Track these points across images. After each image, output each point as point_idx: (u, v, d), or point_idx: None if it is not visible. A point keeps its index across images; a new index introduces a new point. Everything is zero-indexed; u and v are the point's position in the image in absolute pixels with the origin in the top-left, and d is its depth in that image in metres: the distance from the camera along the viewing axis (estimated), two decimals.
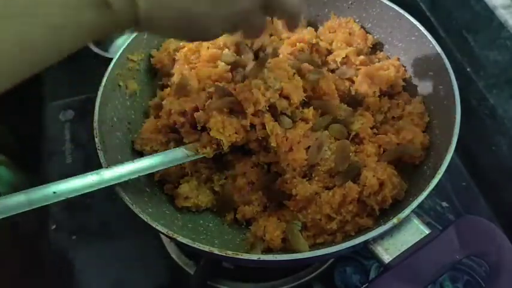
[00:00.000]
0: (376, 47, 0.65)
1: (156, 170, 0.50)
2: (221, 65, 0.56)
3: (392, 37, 0.62)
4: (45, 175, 0.82)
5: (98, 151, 0.49)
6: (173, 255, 0.71)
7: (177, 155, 0.51)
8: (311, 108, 0.53)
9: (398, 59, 0.61)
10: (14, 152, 0.88)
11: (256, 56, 0.61)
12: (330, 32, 0.66)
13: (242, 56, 0.59)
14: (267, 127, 0.50)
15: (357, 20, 0.65)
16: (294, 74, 0.54)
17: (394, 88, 0.59)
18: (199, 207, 0.55)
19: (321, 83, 0.54)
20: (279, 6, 0.41)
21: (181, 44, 0.62)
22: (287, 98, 0.52)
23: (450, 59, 0.53)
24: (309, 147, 0.50)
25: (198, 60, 0.59)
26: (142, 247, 0.73)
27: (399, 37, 0.61)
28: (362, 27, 0.64)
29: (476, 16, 0.76)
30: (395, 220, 0.42)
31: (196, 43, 0.60)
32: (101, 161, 0.48)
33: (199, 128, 0.52)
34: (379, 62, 0.61)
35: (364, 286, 0.43)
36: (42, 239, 0.73)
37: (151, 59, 0.62)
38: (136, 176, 0.47)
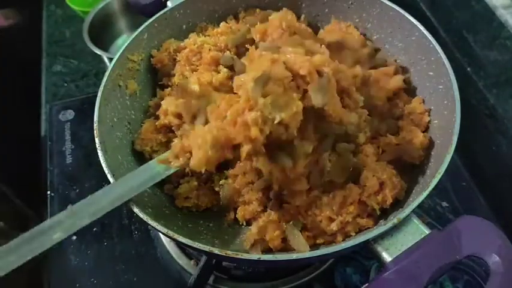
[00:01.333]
0: (376, 52, 0.64)
1: (127, 198, 0.45)
2: (223, 71, 0.56)
3: (392, 37, 0.62)
4: (46, 175, 0.82)
5: (98, 151, 0.49)
6: (173, 255, 0.71)
7: (148, 174, 0.47)
8: (312, 138, 0.47)
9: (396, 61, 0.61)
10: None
11: None
12: None
13: (242, 59, 0.59)
14: (263, 171, 0.46)
15: (357, 20, 0.65)
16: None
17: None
18: (199, 207, 0.55)
19: (327, 107, 0.45)
20: None
21: (182, 44, 0.62)
22: (285, 126, 0.43)
23: (450, 59, 0.53)
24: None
25: (199, 63, 0.59)
26: (142, 247, 0.73)
27: (399, 37, 0.61)
28: (362, 30, 0.64)
29: (476, 16, 0.76)
30: (395, 220, 0.42)
31: (198, 45, 0.60)
32: (101, 160, 0.48)
33: None
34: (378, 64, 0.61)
35: (364, 286, 0.43)
36: None
37: (151, 59, 0.62)
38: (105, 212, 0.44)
